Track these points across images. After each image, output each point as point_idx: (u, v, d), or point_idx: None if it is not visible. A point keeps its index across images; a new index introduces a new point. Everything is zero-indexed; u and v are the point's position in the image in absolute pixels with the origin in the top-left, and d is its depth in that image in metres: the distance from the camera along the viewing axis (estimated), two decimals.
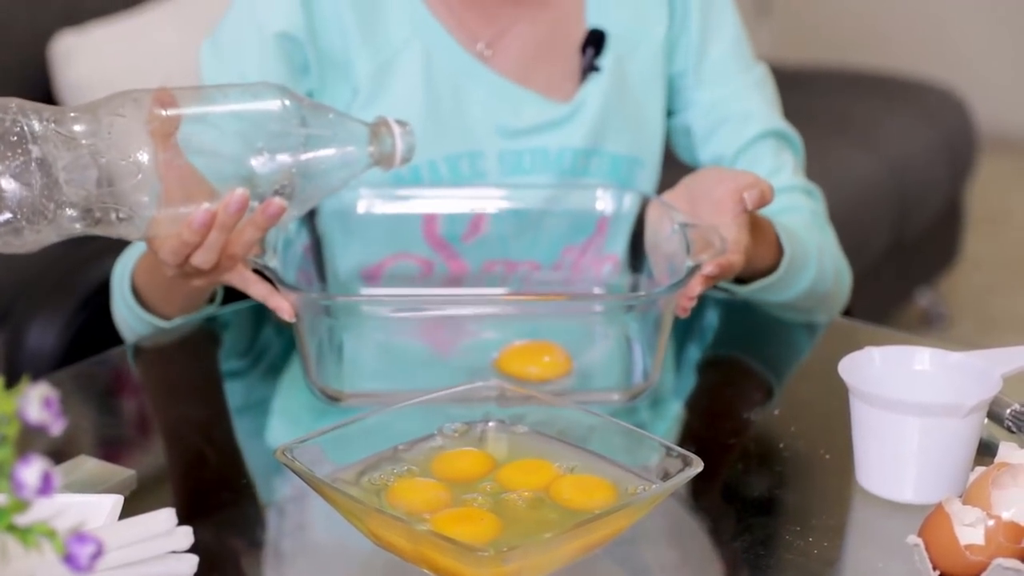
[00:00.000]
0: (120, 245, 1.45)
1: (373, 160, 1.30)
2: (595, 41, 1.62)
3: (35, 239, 1.18)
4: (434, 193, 1.56)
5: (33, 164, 1.15)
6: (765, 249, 1.50)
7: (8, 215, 1.16)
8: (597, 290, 1.57)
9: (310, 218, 1.51)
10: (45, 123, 1.17)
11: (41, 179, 1.16)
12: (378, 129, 1.30)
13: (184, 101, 1.24)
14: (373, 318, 1.36)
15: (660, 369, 1.36)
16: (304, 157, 1.26)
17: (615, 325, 1.38)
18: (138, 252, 1.52)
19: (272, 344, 1.56)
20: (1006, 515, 1.06)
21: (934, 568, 1.05)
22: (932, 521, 1.07)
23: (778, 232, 1.52)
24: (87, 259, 1.85)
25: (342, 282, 1.54)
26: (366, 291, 1.55)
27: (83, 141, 1.18)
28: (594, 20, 1.63)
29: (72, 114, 1.19)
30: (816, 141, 2.06)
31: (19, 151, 1.15)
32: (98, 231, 1.21)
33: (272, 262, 1.32)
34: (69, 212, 1.18)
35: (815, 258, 1.57)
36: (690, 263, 1.33)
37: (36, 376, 1.37)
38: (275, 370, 1.52)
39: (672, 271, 1.38)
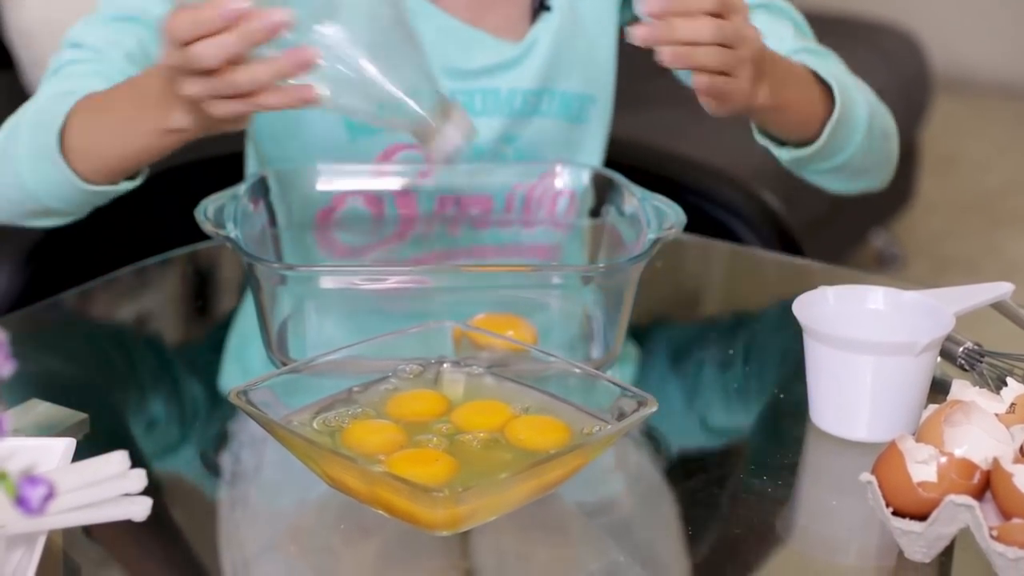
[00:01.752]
0: None
1: (418, 132, 1.24)
2: None
3: None
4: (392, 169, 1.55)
5: None
6: (805, 93, 1.45)
7: None
8: (556, 237, 1.56)
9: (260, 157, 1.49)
10: None
11: None
12: (449, 108, 1.24)
13: None
14: (332, 290, 1.34)
15: (622, 341, 1.35)
16: (369, 65, 1.19)
17: (577, 295, 1.37)
18: (68, 102, 1.41)
19: (223, 286, 1.55)
20: (958, 452, 1.06)
21: (887, 505, 1.06)
22: (885, 459, 1.07)
23: (814, 71, 1.46)
24: None
25: (295, 224, 1.53)
26: (318, 241, 1.54)
27: None
28: None
29: None
30: None
31: None
32: None
33: (232, 233, 1.30)
34: None
35: (863, 94, 1.52)
36: (651, 236, 1.31)
37: None
38: (228, 311, 1.52)
39: (632, 246, 1.37)
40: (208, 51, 1.17)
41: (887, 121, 1.59)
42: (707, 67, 1.28)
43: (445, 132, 1.24)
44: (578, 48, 1.61)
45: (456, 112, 1.24)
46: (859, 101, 1.51)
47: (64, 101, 1.42)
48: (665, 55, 1.26)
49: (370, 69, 1.20)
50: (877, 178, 1.62)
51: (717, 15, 1.26)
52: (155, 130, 1.33)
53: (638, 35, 1.25)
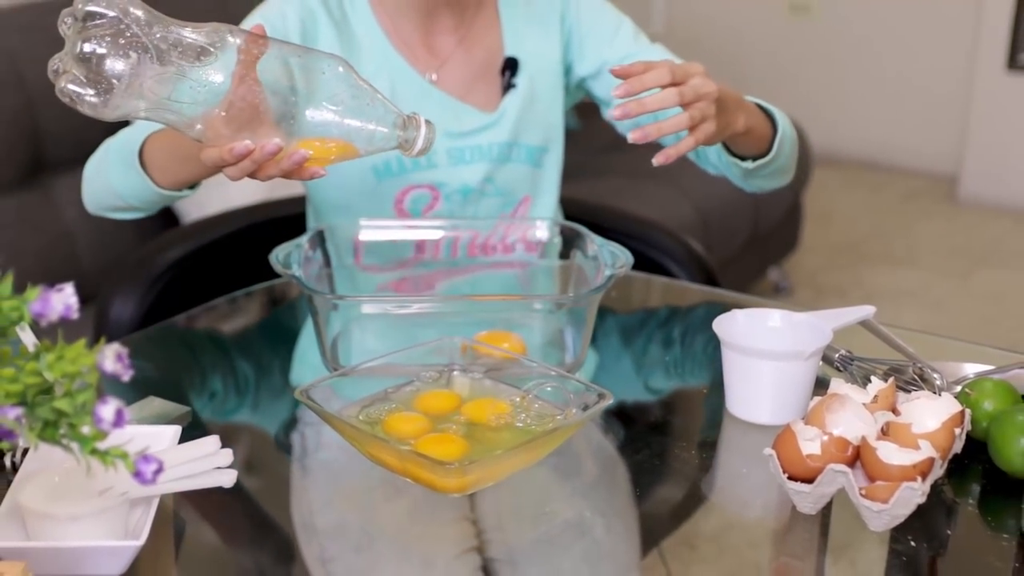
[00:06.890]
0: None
1: (398, 143, 1.17)
2: (511, 66, 1.64)
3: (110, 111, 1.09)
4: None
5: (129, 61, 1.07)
6: (759, 118, 1.46)
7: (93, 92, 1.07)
8: (530, 259, 1.55)
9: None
10: (153, 34, 1.08)
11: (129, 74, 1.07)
12: (410, 121, 1.16)
13: (273, 43, 1.14)
14: (371, 314, 1.33)
15: (587, 350, 1.33)
16: (348, 122, 1.13)
17: (553, 317, 1.36)
18: (147, 130, 1.41)
19: (291, 311, 1.54)
20: (836, 432, 1.05)
21: (784, 472, 1.05)
22: (782, 437, 1.07)
23: (756, 102, 1.48)
24: (158, 247, 1.82)
25: (343, 264, 1.51)
26: (357, 267, 1.52)
27: (176, 61, 1.09)
28: (510, 51, 1.64)
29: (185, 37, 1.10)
30: (685, 158, 2.05)
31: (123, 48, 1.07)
32: (156, 118, 1.12)
33: (297, 272, 1.30)
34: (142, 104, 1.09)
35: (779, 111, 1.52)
36: (608, 272, 1.30)
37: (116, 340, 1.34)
38: (295, 329, 1.50)
39: (593, 280, 1.36)
40: (233, 175, 1.17)
41: (793, 130, 1.57)
42: (680, 128, 1.26)
43: (413, 139, 1.17)
44: (535, 112, 1.64)
45: (413, 120, 1.17)
46: (782, 117, 1.51)
47: (139, 131, 1.42)
48: (637, 135, 1.23)
49: (351, 133, 1.15)
50: (791, 175, 1.61)
51: (675, 84, 1.26)
52: (200, 171, 1.32)
53: (616, 114, 1.24)
